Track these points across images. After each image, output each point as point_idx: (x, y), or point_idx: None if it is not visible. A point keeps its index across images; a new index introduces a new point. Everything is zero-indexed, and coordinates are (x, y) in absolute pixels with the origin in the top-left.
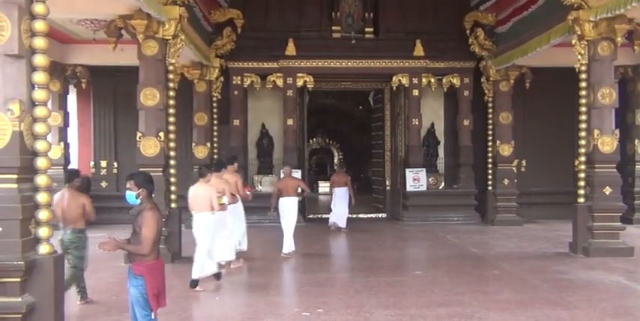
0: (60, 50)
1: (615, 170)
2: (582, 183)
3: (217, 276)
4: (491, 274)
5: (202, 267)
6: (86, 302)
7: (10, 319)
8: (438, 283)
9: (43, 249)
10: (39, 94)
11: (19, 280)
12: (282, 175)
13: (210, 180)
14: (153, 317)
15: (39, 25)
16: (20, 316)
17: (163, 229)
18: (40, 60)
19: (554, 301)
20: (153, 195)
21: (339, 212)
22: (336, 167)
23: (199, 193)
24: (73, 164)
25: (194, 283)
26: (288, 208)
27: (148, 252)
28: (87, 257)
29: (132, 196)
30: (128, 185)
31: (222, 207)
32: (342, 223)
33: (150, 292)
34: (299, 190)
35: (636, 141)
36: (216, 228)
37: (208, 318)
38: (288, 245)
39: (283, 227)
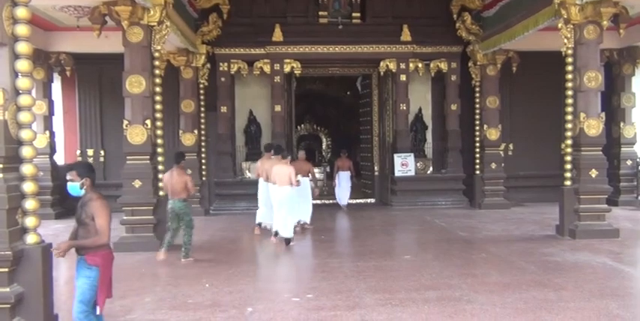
0: (43, 38)
1: (601, 153)
2: (569, 166)
3: (287, 241)
4: (480, 258)
5: (288, 227)
6: (192, 260)
7: (6, 309)
8: (427, 267)
9: (31, 238)
10: (23, 83)
11: (7, 270)
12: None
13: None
14: (98, 313)
15: (21, 12)
16: (9, 306)
17: (137, 217)
18: (23, 48)
19: (542, 282)
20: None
21: (343, 193)
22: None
23: (282, 170)
24: (59, 153)
25: (288, 241)
26: (302, 189)
27: (107, 241)
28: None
29: (75, 187)
30: (69, 177)
31: (298, 183)
32: (345, 202)
33: (102, 283)
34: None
35: (621, 124)
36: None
37: (199, 305)
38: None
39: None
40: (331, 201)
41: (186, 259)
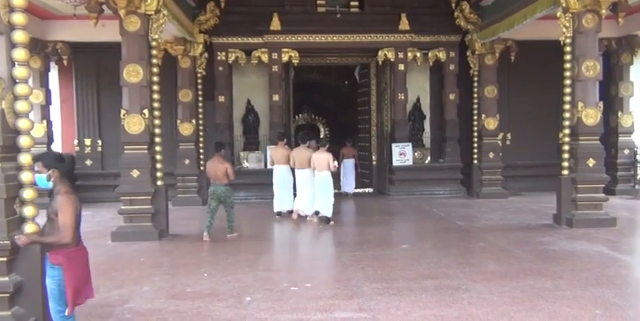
0: (40, 26)
1: (599, 142)
2: (566, 155)
3: (327, 220)
4: (477, 247)
5: (330, 207)
6: (237, 235)
7: (5, 299)
8: (425, 256)
9: (29, 228)
10: (19, 72)
11: (5, 259)
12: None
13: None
14: (66, 314)
15: (17, 1)
16: (8, 295)
17: (135, 207)
18: (19, 36)
19: (539, 271)
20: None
21: (348, 180)
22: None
23: (322, 157)
24: (57, 142)
25: (329, 220)
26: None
27: (70, 240)
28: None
29: (42, 178)
30: (37, 168)
31: (334, 168)
32: (351, 190)
33: (68, 284)
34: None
35: (619, 113)
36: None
37: (197, 294)
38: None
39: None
40: (335, 190)
41: (231, 234)
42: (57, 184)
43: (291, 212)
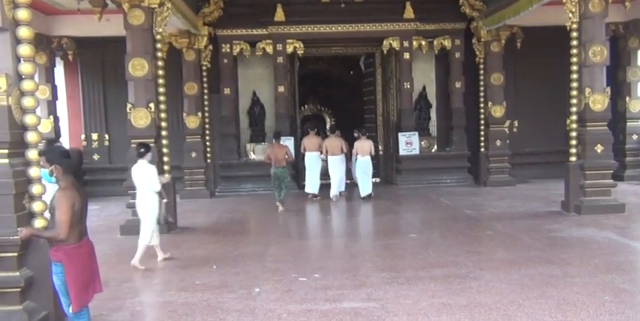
0: (44, 22)
1: (607, 128)
2: (574, 142)
3: (369, 195)
4: (485, 235)
5: (371, 186)
6: (284, 210)
7: (10, 294)
8: (433, 245)
9: (38, 223)
10: (25, 68)
11: (16, 254)
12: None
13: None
14: (70, 312)
15: None
16: (19, 289)
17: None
18: (24, 32)
19: (547, 258)
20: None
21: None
22: (356, 134)
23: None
24: (64, 138)
25: (370, 195)
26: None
27: (66, 236)
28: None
29: (46, 174)
30: (41, 163)
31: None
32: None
33: (69, 281)
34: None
35: (627, 98)
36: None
37: (206, 286)
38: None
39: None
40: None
41: (282, 208)
42: (59, 180)
43: (314, 196)
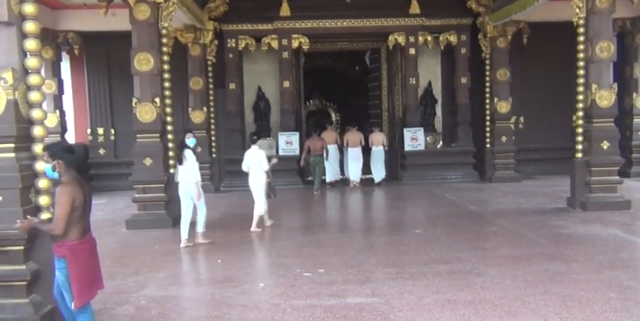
0: (51, 16)
1: (613, 124)
2: (580, 138)
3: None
4: (490, 231)
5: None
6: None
7: (17, 287)
8: (437, 241)
9: (45, 217)
10: (31, 62)
11: (22, 248)
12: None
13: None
14: (73, 308)
15: None
16: (26, 283)
17: (148, 195)
18: (30, 27)
19: (552, 255)
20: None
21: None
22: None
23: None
24: (70, 132)
25: (382, 180)
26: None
27: (61, 232)
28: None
29: (49, 169)
30: (45, 158)
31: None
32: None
33: (73, 277)
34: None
35: (634, 94)
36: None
37: (211, 280)
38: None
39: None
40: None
41: (317, 192)
42: (62, 175)
43: (334, 183)
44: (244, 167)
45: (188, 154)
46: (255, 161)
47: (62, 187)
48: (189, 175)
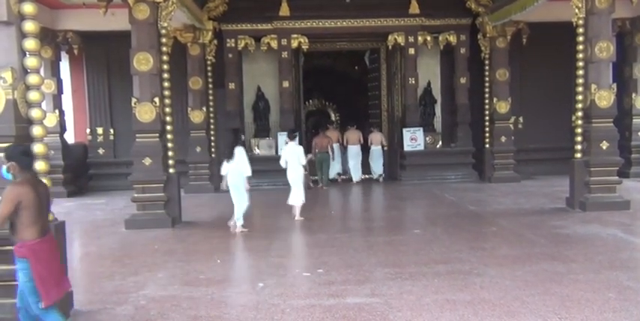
0: (50, 16)
1: (612, 124)
2: (579, 138)
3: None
4: (489, 231)
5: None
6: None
7: (13, 287)
8: (437, 241)
9: None
10: (31, 61)
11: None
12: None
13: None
14: (42, 307)
15: None
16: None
17: (148, 194)
18: (30, 26)
19: (552, 255)
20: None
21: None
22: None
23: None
24: (69, 132)
25: (380, 175)
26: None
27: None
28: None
29: (4, 170)
30: (1, 160)
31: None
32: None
33: (37, 276)
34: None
35: (633, 95)
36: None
37: (211, 280)
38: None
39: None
40: (364, 175)
41: (326, 187)
42: (16, 177)
43: (339, 175)
44: (282, 163)
45: (240, 150)
46: (295, 156)
47: (10, 186)
48: (240, 169)
